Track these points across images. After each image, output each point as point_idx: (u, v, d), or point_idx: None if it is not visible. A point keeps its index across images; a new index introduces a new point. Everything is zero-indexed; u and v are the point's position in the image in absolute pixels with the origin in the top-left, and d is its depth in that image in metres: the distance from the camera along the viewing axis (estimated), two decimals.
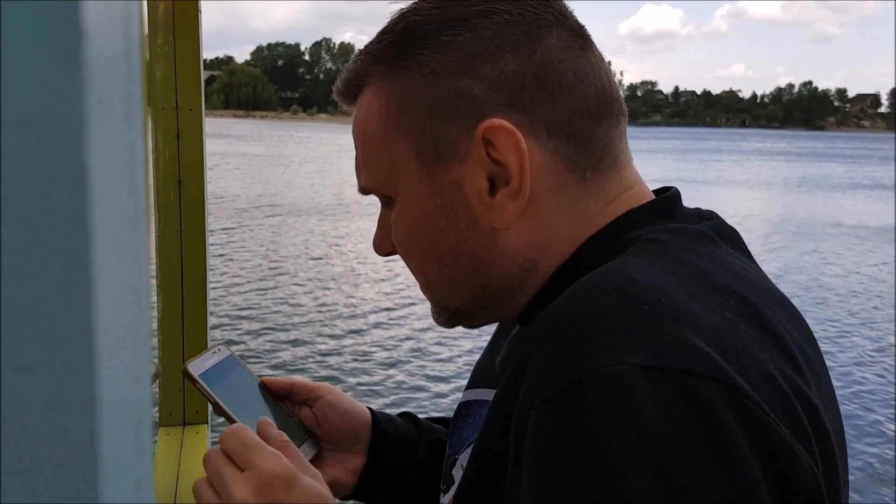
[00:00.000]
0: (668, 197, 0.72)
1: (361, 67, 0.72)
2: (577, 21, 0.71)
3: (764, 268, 0.71)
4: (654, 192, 0.74)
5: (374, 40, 0.72)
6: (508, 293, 0.71)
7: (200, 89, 1.47)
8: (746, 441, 0.49)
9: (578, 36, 0.70)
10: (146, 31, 1.44)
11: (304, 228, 14.51)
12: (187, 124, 1.46)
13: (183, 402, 1.56)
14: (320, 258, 11.52)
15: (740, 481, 0.48)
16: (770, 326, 0.58)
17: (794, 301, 0.71)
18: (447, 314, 0.77)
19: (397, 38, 0.69)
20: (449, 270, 0.72)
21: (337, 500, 0.73)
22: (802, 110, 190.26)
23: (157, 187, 1.46)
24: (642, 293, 0.55)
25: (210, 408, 1.59)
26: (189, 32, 1.45)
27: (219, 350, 0.90)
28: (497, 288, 0.71)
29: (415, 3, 0.71)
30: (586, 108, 0.67)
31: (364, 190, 0.75)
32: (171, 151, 1.45)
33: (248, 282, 9.88)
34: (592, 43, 0.71)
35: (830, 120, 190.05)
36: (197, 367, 0.85)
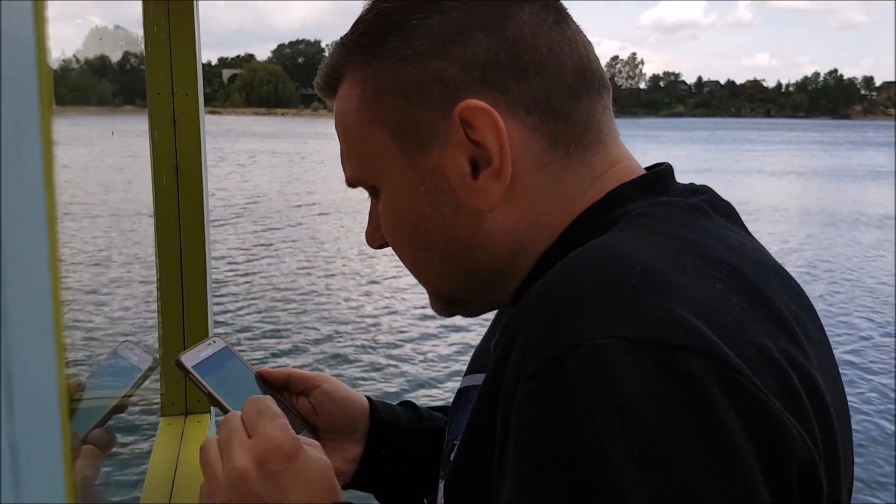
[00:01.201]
0: (659, 171, 0.70)
1: (337, 60, 0.72)
2: None
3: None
4: (647, 168, 0.73)
5: (348, 32, 0.72)
6: (499, 276, 0.70)
7: (197, 74, 1.45)
8: (734, 414, 0.47)
9: (552, 10, 0.68)
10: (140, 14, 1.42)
11: (345, 226, 14.57)
12: (183, 109, 1.44)
13: (185, 392, 1.55)
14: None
15: (727, 455, 0.47)
16: (765, 298, 0.57)
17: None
18: (443, 301, 0.76)
19: (369, 26, 0.69)
20: (438, 256, 0.71)
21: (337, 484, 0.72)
22: (828, 99, 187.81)
23: (153, 174, 1.45)
24: (628, 267, 0.54)
25: None
26: (184, 16, 1.43)
27: (213, 342, 0.90)
28: (487, 271, 0.70)
29: None
30: (564, 82, 0.66)
31: (350, 182, 0.75)
32: (167, 137, 1.43)
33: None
34: (568, 16, 0.70)
35: (857, 108, 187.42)
36: (190, 358, 0.86)
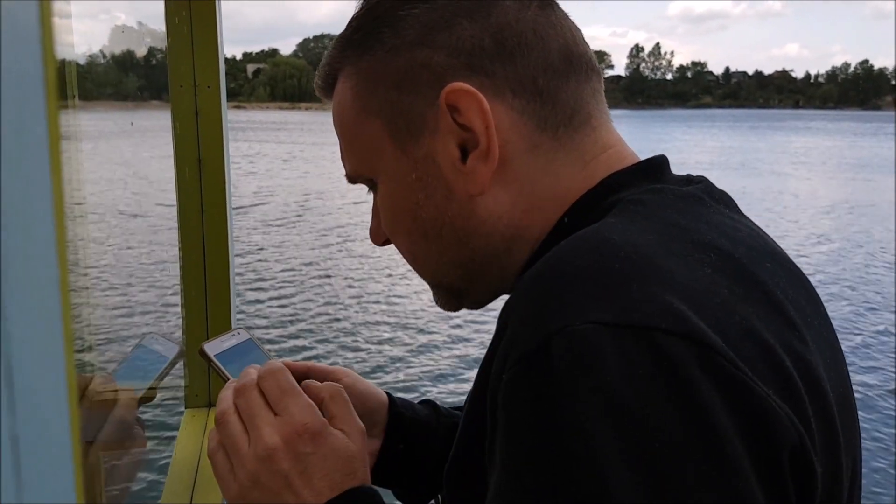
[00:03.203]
0: (654, 160, 0.70)
1: (333, 57, 0.74)
2: None
3: None
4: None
5: (343, 30, 0.73)
6: (497, 262, 0.70)
7: (219, 66, 1.45)
8: (718, 397, 0.47)
9: None
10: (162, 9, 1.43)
11: None
12: (206, 102, 1.44)
13: (208, 384, 1.56)
14: None
15: (710, 437, 0.46)
16: (758, 281, 0.56)
17: None
18: (445, 294, 0.77)
19: (361, 22, 0.71)
20: (434, 245, 0.72)
21: (361, 453, 0.72)
22: (858, 90, 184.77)
23: (176, 166, 1.45)
24: (615, 251, 0.54)
25: (210, 390, 1.59)
26: (207, 9, 1.43)
27: (238, 333, 0.91)
28: (484, 258, 0.70)
29: None
30: (550, 64, 0.67)
31: (350, 178, 0.76)
32: (189, 129, 1.44)
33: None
34: (554, 2, 0.71)
35: (887, 99, 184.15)
36: (213, 347, 0.86)
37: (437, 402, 0.98)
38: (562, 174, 0.68)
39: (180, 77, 1.43)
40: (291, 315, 8.45)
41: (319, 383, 0.76)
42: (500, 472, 0.51)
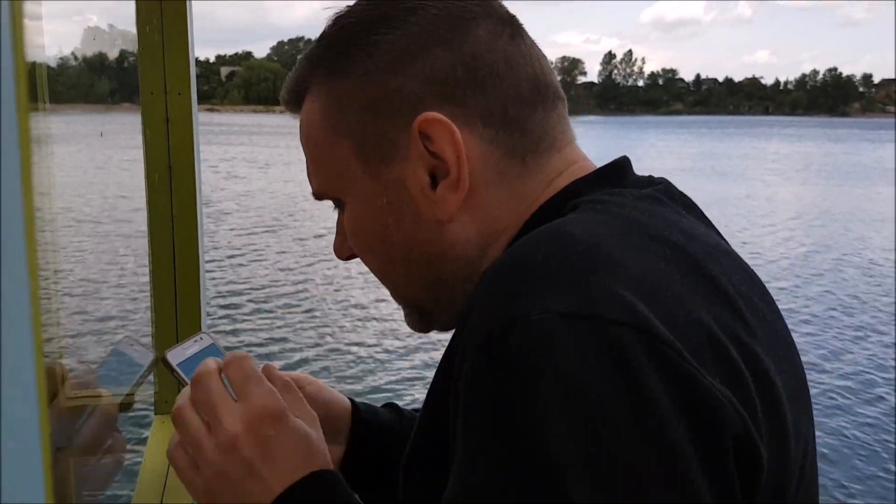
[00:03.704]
0: (616, 162, 0.72)
1: (301, 74, 0.74)
2: (506, 11, 0.72)
3: None
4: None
5: (312, 46, 0.74)
6: (464, 285, 0.71)
7: (190, 73, 1.46)
8: (662, 385, 0.50)
9: (508, 25, 0.71)
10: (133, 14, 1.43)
11: None
12: (177, 108, 1.44)
13: (178, 390, 1.55)
14: None
15: (655, 424, 0.49)
16: (710, 276, 0.59)
17: None
18: (415, 314, 0.78)
19: (332, 41, 0.71)
20: (402, 267, 0.73)
21: (320, 439, 0.72)
22: (827, 97, 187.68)
23: (146, 173, 1.45)
24: (573, 245, 0.56)
25: None
26: (178, 15, 1.44)
27: (200, 339, 0.91)
28: (452, 280, 0.72)
29: (349, 6, 0.72)
30: (519, 94, 0.69)
31: (317, 195, 0.76)
32: (159, 136, 1.44)
33: None
34: (523, 31, 0.73)
35: (855, 106, 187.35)
36: (176, 355, 0.86)
37: (400, 406, 0.99)
38: (528, 195, 0.69)
39: (151, 83, 1.43)
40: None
41: (276, 373, 0.75)
42: (460, 456, 0.53)
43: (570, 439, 0.48)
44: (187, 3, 1.45)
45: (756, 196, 21.97)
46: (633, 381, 0.49)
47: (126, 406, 1.03)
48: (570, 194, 0.68)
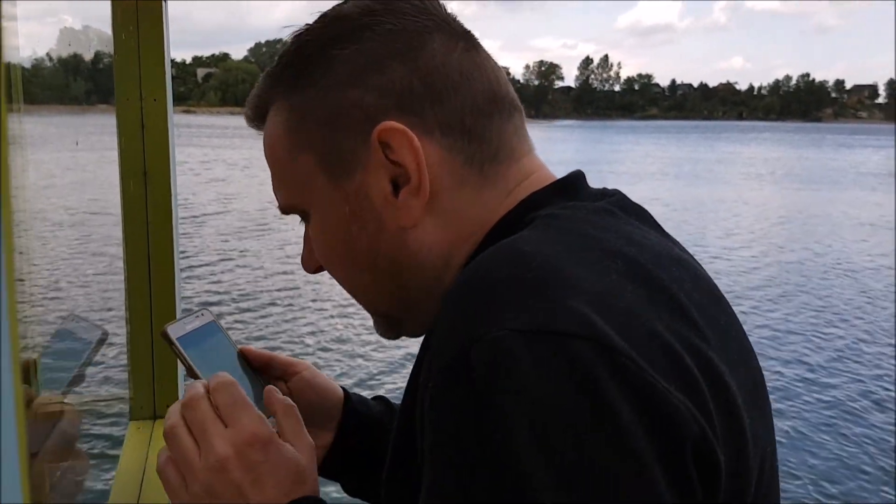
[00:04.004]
0: (570, 177, 0.74)
1: (264, 91, 0.76)
2: (461, 26, 0.74)
3: None
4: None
5: (273, 64, 0.76)
6: (429, 292, 0.73)
7: (166, 80, 1.46)
8: (622, 395, 0.51)
9: (462, 38, 0.73)
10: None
11: None
12: (152, 115, 1.44)
13: (153, 396, 1.56)
14: None
15: (616, 434, 0.50)
16: (662, 286, 0.61)
17: None
18: (384, 322, 0.80)
19: (292, 58, 0.73)
20: (369, 275, 0.74)
21: (311, 467, 0.73)
22: (800, 102, 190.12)
23: (121, 179, 1.45)
24: (528, 262, 0.58)
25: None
26: (153, 23, 1.44)
27: (202, 315, 0.90)
28: (416, 287, 0.73)
29: (307, 24, 0.74)
30: (475, 105, 0.70)
31: (283, 209, 0.78)
32: (135, 142, 1.44)
33: None
34: (478, 44, 0.75)
35: (828, 111, 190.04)
36: (176, 329, 0.85)
37: (391, 400, 1.00)
38: (488, 204, 0.71)
39: (126, 89, 1.43)
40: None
41: (278, 398, 0.77)
42: (428, 475, 0.55)
43: (534, 453, 0.49)
44: (163, 8, 1.46)
45: (733, 199, 22.25)
46: (593, 393, 0.51)
47: (78, 380, 1.02)
48: (528, 207, 0.70)
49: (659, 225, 0.74)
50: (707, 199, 21.60)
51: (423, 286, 0.73)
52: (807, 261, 13.32)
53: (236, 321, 8.56)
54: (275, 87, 0.74)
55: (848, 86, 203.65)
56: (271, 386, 0.80)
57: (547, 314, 0.53)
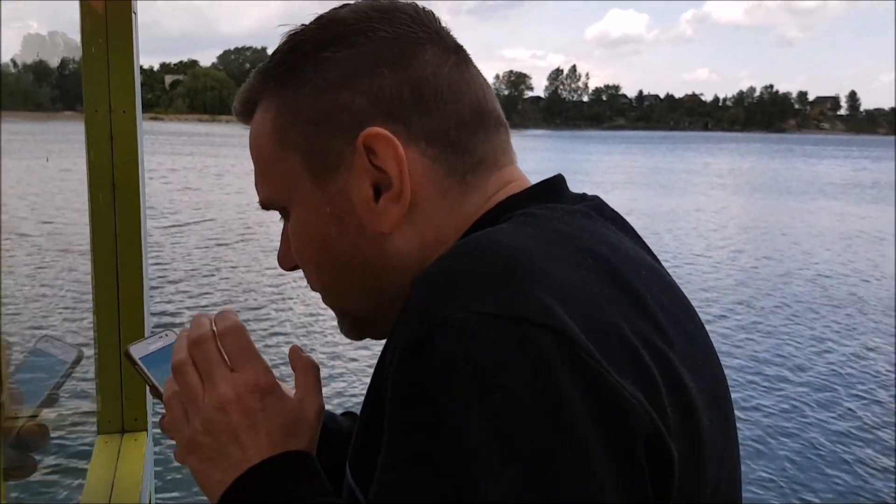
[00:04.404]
0: (550, 180, 0.76)
1: (254, 86, 0.77)
2: (453, 40, 0.76)
3: None
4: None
5: (266, 61, 0.76)
6: (402, 294, 0.73)
7: (135, 91, 1.45)
8: (573, 385, 0.53)
9: (454, 53, 0.74)
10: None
11: None
12: (121, 126, 1.43)
13: (121, 410, 1.54)
14: None
15: (564, 422, 0.52)
16: (628, 285, 0.62)
17: None
18: (349, 322, 0.80)
19: (284, 56, 0.74)
20: (344, 276, 0.75)
21: (311, 425, 0.77)
22: (764, 113, 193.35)
23: (90, 192, 1.43)
24: (498, 251, 0.60)
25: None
26: (123, 34, 1.43)
27: (166, 335, 0.90)
28: (391, 290, 0.74)
29: (303, 24, 0.75)
30: (462, 118, 0.72)
31: (263, 204, 0.79)
32: (104, 154, 1.42)
33: None
34: (468, 59, 0.76)
35: (791, 122, 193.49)
36: (139, 349, 0.86)
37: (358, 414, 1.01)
38: (468, 210, 0.72)
39: (95, 101, 1.42)
40: None
41: (301, 355, 0.80)
42: (385, 449, 0.56)
43: (483, 434, 0.51)
44: (133, 21, 1.45)
45: (705, 209, 22.57)
46: (547, 380, 0.52)
47: (52, 401, 1.01)
48: (506, 208, 0.71)
49: (635, 232, 0.76)
50: (678, 209, 21.88)
51: (398, 289, 0.73)
52: (793, 271, 13.60)
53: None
54: (266, 83, 0.75)
55: (811, 97, 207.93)
56: (296, 345, 0.82)
57: (511, 300, 0.55)
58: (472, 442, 0.51)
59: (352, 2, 0.76)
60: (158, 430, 0.87)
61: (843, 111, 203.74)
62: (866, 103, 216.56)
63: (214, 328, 0.76)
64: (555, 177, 0.77)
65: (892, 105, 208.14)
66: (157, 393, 0.84)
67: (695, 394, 0.61)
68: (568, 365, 0.53)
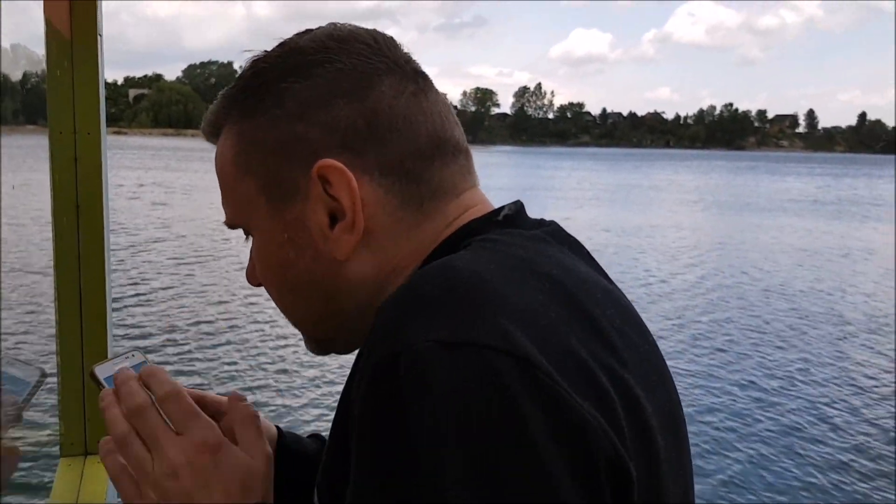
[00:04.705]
0: (509, 207, 0.77)
1: (219, 111, 0.78)
2: (413, 68, 0.77)
3: None
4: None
5: (231, 85, 0.78)
6: (362, 316, 0.75)
7: (100, 113, 1.45)
8: (535, 408, 0.54)
9: (412, 82, 0.75)
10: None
11: None
12: (86, 148, 1.43)
13: (84, 432, 1.53)
14: None
15: (528, 445, 0.53)
16: (584, 309, 0.64)
17: None
18: (313, 341, 0.82)
19: (247, 83, 0.76)
20: (302, 299, 0.77)
21: (265, 475, 0.75)
22: (724, 131, 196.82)
23: (53, 213, 1.43)
24: (457, 277, 0.61)
25: None
26: (88, 56, 1.43)
27: (132, 356, 0.90)
28: (351, 313, 0.76)
29: (266, 50, 0.77)
30: (417, 149, 0.73)
31: (228, 223, 0.81)
32: (68, 176, 1.42)
33: None
34: (429, 87, 0.77)
35: (751, 140, 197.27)
36: (104, 370, 0.85)
37: (325, 437, 1.01)
38: (427, 236, 0.74)
39: (60, 123, 1.42)
40: None
41: (238, 406, 0.79)
42: (353, 476, 0.58)
43: (450, 460, 0.52)
44: (99, 42, 1.45)
45: (672, 225, 22.89)
46: (510, 405, 0.53)
47: (17, 419, 1.00)
48: (466, 233, 0.73)
49: (591, 256, 0.78)
50: (644, 225, 22.16)
51: (357, 313, 0.75)
52: (743, 284, 13.82)
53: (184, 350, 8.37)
54: (229, 109, 0.77)
55: (770, 115, 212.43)
56: (235, 394, 0.81)
57: (471, 327, 0.56)
58: (439, 467, 0.52)
59: (314, 28, 0.77)
60: None
61: (801, 129, 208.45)
62: (824, 121, 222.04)
63: (149, 392, 0.75)
64: (514, 203, 0.79)
65: (850, 123, 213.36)
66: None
67: (651, 414, 0.62)
68: (529, 388, 0.54)
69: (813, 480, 6.16)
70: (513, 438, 0.53)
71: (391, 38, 0.78)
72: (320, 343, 0.81)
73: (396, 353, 0.56)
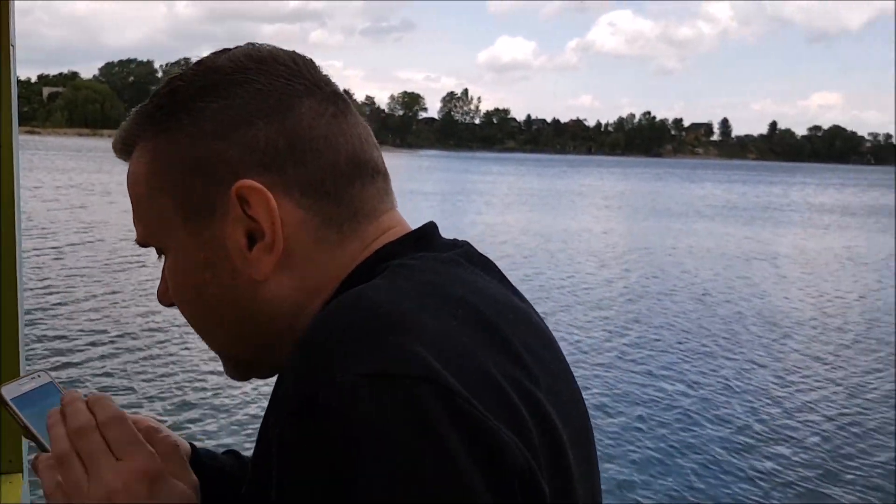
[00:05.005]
0: (422, 229, 0.79)
1: (133, 127, 0.77)
2: (333, 90, 0.77)
3: None
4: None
5: (146, 101, 0.77)
6: (280, 338, 0.75)
7: (12, 126, 1.41)
8: (455, 432, 0.56)
9: (332, 104, 0.76)
10: None
11: None
12: None
13: (22, 449, 1.48)
14: None
15: (449, 468, 0.55)
16: (497, 331, 0.66)
17: None
18: (232, 364, 0.81)
19: (163, 101, 0.74)
20: (219, 320, 0.76)
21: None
22: (643, 139, 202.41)
23: None
24: (372, 308, 0.62)
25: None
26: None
27: (38, 376, 0.88)
28: (268, 334, 0.76)
29: (183, 68, 0.76)
30: (337, 169, 0.74)
31: (140, 242, 0.79)
32: None
33: None
34: (348, 109, 0.78)
35: (668, 147, 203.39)
36: (11, 391, 0.83)
37: (241, 453, 1.00)
38: (345, 259, 0.75)
39: None
40: None
41: (160, 437, 0.78)
42: None
43: (373, 489, 0.54)
44: (11, 52, 1.42)
45: (597, 230, 23.39)
46: (430, 431, 0.55)
47: None
48: (382, 257, 0.74)
49: (503, 275, 0.80)
50: (573, 229, 22.58)
51: (276, 334, 0.75)
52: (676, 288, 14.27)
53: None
54: (144, 126, 0.75)
55: (686, 124, 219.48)
56: (155, 425, 0.81)
57: (388, 358, 0.57)
58: (362, 497, 0.54)
59: (232, 47, 0.77)
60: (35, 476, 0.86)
61: (716, 137, 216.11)
62: (737, 130, 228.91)
63: (93, 415, 0.74)
64: (427, 224, 0.80)
65: (761, 132, 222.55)
66: (29, 434, 0.83)
67: (561, 431, 0.64)
68: (449, 415, 0.56)
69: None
70: (436, 466, 0.55)
71: (311, 60, 0.78)
72: (238, 367, 0.81)
73: (315, 387, 0.57)
